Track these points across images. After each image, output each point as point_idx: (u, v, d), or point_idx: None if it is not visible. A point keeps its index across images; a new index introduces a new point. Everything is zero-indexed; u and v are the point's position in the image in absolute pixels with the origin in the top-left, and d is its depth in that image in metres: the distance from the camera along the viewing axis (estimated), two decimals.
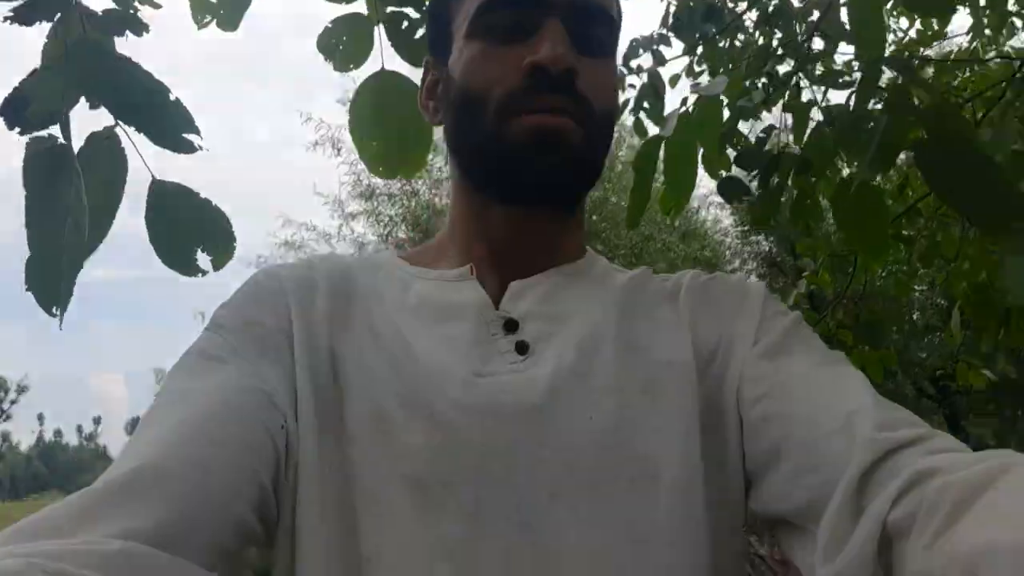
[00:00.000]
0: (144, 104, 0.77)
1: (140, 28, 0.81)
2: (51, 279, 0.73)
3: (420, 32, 1.03)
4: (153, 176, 0.81)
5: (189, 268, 0.83)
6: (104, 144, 0.78)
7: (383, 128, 0.99)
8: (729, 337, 0.58)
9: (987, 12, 2.17)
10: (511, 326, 0.57)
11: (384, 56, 1.01)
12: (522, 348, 0.56)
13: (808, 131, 1.32)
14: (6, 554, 0.33)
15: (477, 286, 0.59)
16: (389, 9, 1.03)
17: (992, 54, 2.37)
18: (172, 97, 0.79)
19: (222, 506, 0.43)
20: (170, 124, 0.78)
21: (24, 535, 0.36)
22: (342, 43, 1.00)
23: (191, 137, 0.78)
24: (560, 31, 0.56)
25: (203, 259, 0.84)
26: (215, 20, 1.01)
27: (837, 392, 0.50)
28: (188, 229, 0.82)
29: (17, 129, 0.76)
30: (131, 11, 0.80)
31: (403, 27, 1.04)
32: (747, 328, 0.57)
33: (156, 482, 0.41)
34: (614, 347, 0.56)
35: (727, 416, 0.55)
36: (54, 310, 0.74)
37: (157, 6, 0.93)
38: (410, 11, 1.04)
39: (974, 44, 2.38)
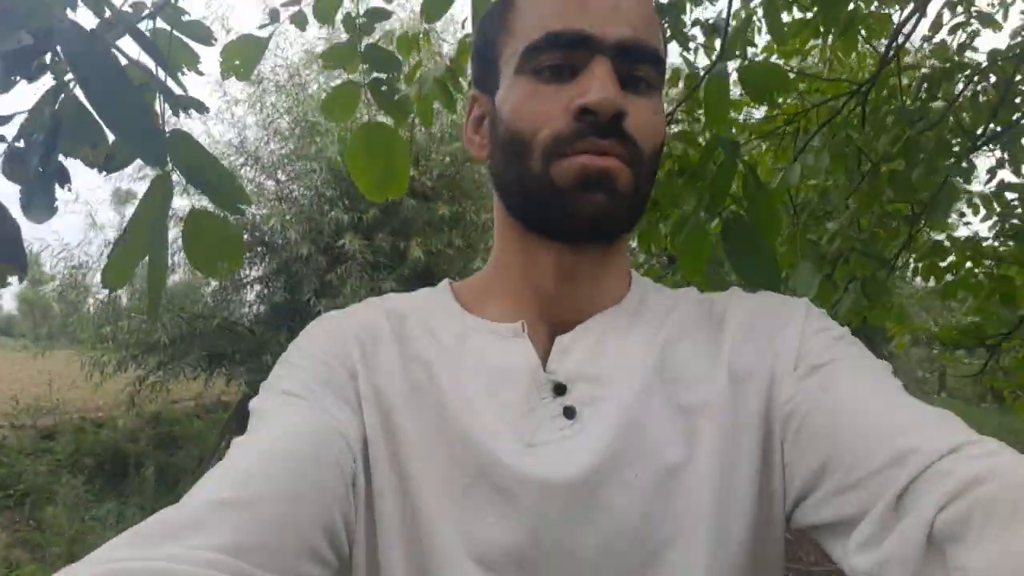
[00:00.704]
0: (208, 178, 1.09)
1: (203, 109, 1.12)
2: None
3: (396, 95, 1.38)
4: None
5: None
6: None
7: (373, 163, 1.33)
8: (772, 358, 0.58)
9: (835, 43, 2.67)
10: (559, 390, 0.59)
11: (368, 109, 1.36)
12: (569, 413, 0.57)
13: (664, 175, 1.78)
14: (142, 557, 0.38)
15: (529, 347, 0.61)
16: (373, 75, 1.37)
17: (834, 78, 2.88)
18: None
19: (302, 534, 0.46)
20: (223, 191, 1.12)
21: (142, 537, 0.40)
22: (339, 104, 1.33)
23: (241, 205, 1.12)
24: (608, 71, 0.56)
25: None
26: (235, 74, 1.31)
27: (881, 405, 0.50)
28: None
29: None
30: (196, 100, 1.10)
31: (382, 89, 1.38)
32: (788, 347, 0.58)
33: (248, 506, 0.44)
34: (654, 406, 0.57)
35: (772, 437, 0.56)
36: None
37: (200, 73, 1.23)
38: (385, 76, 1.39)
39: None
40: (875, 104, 2.54)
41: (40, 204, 0.82)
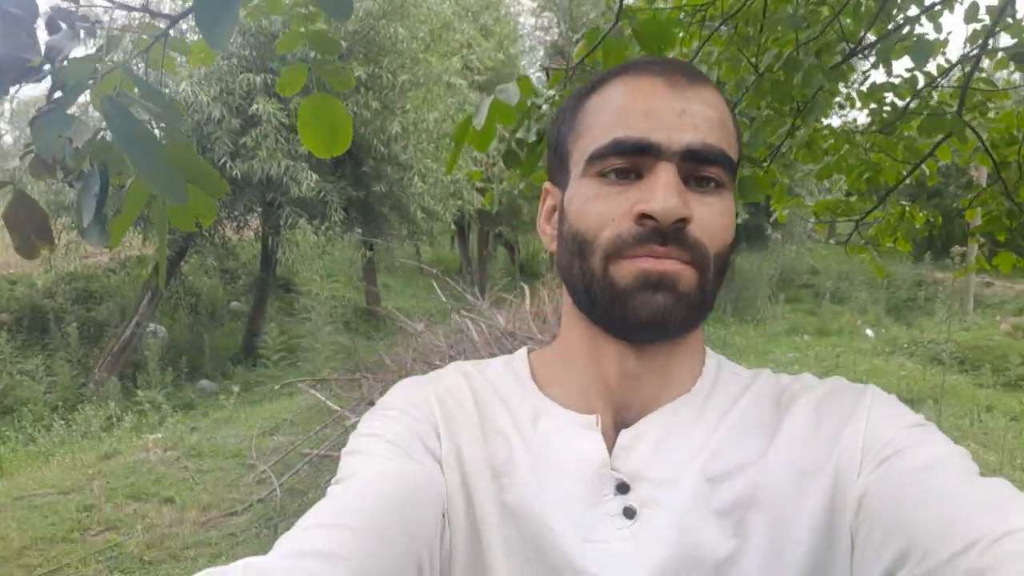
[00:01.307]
0: None
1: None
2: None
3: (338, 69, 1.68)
4: None
5: None
6: None
7: (320, 127, 1.55)
8: (838, 453, 0.56)
9: None
10: (622, 488, 0.58)
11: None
12: (629, 513, 0.57)
13: None
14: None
15: (599, 441, 0.60)
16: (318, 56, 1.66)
17: None
18: None
19: (396, 565, 0.50)
20: None
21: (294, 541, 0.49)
22: (289, 82, 1.62)
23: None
24: (673, 177, 0.55)
25: None
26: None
27: (953, 491, 0.49)
28: None
29: None
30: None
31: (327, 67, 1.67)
32: (855, 441, 0.56)
33: (363, 538, 0.49)
34: (710, 506, 0.57)
35: (836, 532, 0.55)
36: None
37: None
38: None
39: None
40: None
41: (96, 231, 1.05)
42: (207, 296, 10.67)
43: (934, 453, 0.53)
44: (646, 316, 0.56)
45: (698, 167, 0.57)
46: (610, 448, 0.60)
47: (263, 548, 2.70)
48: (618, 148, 0.57)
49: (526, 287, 5.77)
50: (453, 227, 13.27)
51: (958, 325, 11.43)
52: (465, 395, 0.66)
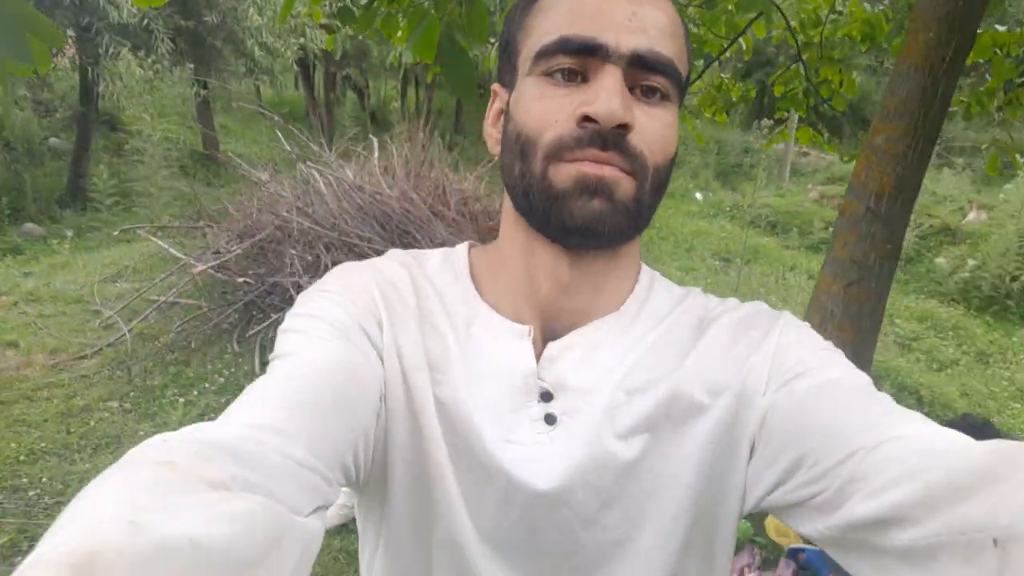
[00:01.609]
0: None
1: None
2: None
3: None
4: None
5: None
6: None
7: None
8: (745, 373, 0.60)
9: None
10: (546, 396, 0.62)
11: None
12: (550, 420, 0.61)
13: None
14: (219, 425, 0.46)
15: (529, 351, 0.63)
16: None
17: None
18: None
19: (337, 445, 0.52)
20: None
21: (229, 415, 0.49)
22: None
23: None
24: (617, 81, 0.55)
25: None
26: None
27: (844, 408, 0.53)
28: None
29: None
30: None
31: None
32: (762, 363, 0.60)
33: (309, 416, 0.50)
34: (621, 417, 0.60)
35: (737, 443, 0.60)
36: None
37: None
38: None
39: None
40: None
41: None
42: (20, 130, 9.75)
43: (832, 375, 0.56)
44: (581, 220, 0.57)
45: (645, 75, 0.57)
46: (538, 357, 0.63)
47: (118, 390, 3.07)
48: (565, 46, 0.57)
49: (375, 140, 5.89)
50: (296, 67, 12.63)
51: (774, 191, 12.73)
52: (406, 287, 0.67)
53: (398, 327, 0.64)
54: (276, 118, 6.14)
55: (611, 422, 0.61)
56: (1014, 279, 9.00)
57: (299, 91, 15.48)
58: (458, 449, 0.62)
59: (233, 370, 4.25)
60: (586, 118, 0.56)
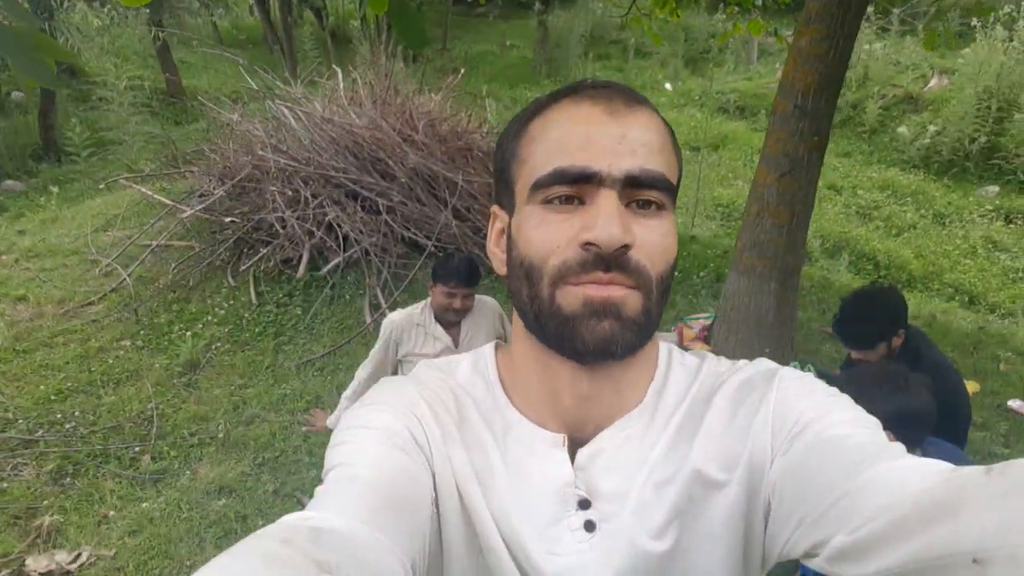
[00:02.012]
0: None
1: None
2: None
3: None
4: None
5: None
6: None
7: None
8: (750, 444, 0.62)
9: None
10: (584, 504, 0.63)
11: None
12: (589, 527, 0.63)
13: None
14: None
15: (566, 461, 0.65)
16: None
17: None
18: None
19: (410, 544, 0.54)
20: None
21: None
22: None
23: None
24: (614, 204, 0.57)
25: None
26: None
27: (845, 460, 0.54)
28: None
29: None
30: None
31: None
32: (764, 429, 0.62)
33: (381, 512, 0.54)
34: (655, 516, 0.63)
35: (753, 518, 0.62)
36: None
37: None
38: None
39: None
40: None
41: None
42: None
43: (825, 425, 0.58)
44: (593, 343, 0.59)
45: (638, 192, 0.59)
46: (571, 457, 0.65)
47: (128, 330, 3.47)
48: (561, 178, 0.59)
49: (339, 70, 6.00)
50: None
51: (742, 75, 12.74)
52: (449, 398, 0.69)
53: (445, 438, 0.66)
54: (240, 60, 6.20)
55: (644, 521, 0.63)
56: (972, 141, 9.29)
57: (255, 17, 15.12)
58: (516, 560, 0.63)
59: (232, 302, 4.57)
60: (588, 243, 0.57)
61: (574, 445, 0.66)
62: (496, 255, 0.70)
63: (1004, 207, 8.47)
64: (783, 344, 3.58)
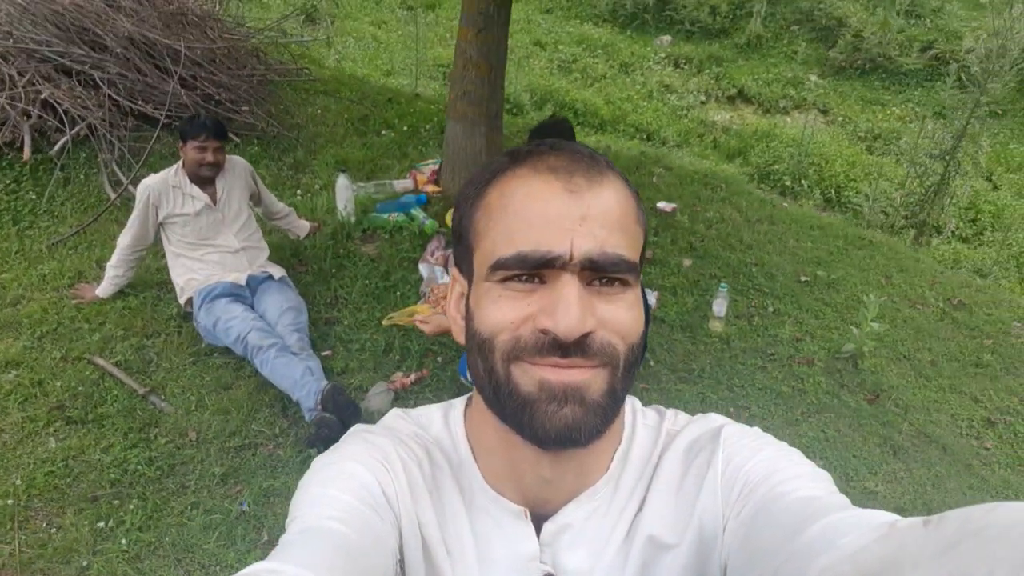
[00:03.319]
0: None
1: None
2: None
3: None
4: None
5: None
6: None
7: None
8: (699, 512, 0.62)
9: None
10: None
11: None
12: None
13: None
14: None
15: (531, 536, 0.64)
16: None
17: None
18: None
19: None
20: None
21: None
22: None
23: None
24: (575, 289, 0.55)
25: None
26: None
27: (791, 513, 0.54)
28: None
29: None
30: None
31: None
32: (712, 495, 0.62)
33: (344, 568, 0.53)
34: None
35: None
36: None
37: None
38: None
39: None
40: None
41: None
42: None
43: (772, 484, 0.58)
44: (554, 431, 0.56)
45: (600, 273, 0.57)
46: (536, 531, 0.65)
47: None
48: (522, 263, 0.57)
49: None
50: None
51: None
52: (423, 458, 0.68)
53: (417, 499, 0.65)
54: None
55: None
56: None
57: None
58: None
59: None
60: (545, 330, 0.55)
61: (538, 516, 0.65)
62: (456, 320, 0.67)
63: (674, 54, 10.04)
64: None
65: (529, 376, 0.57)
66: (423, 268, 3.79)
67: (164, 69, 4.73)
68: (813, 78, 9.58)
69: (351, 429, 0.71)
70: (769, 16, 10.38)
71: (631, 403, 0.71)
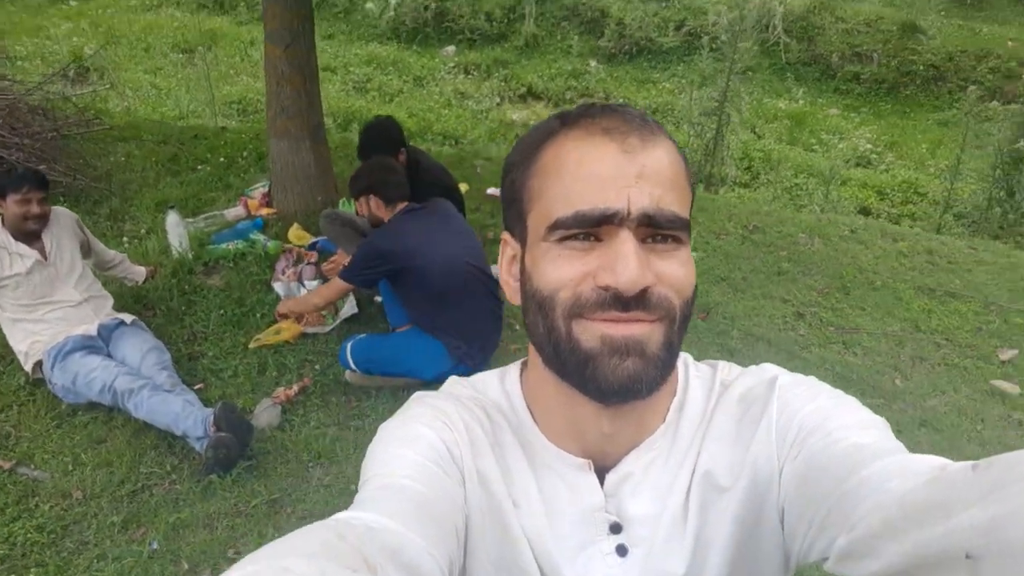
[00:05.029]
0: None
1: None
2: None
3: None
4: None
5: None
6: None
7: None
8: (752, 458, 0.63)
9: None
10: (615, 528, 0.65)
11: None
12: (621, 551, 0.65)
13: None
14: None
15: (596, 487, 0.66)
16: None
17: None
18: None
19: (446, 552, 0.56)
20: None
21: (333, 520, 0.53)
22: None
23: None
24: (632, 245, 0.57)
25: None
26: None
27: (847, 462, 0.55)
28: None
29: None
30: None
31: None
32: (767, 440, 0.63)
33: (422, 521, 0.56)
34: (682, 538, 0.65)
35: (763, 529, 0.63)
36: None
37: None
38: None
39: None
40: None
41: None
42: None
43: (826, 430, 0.59)
44: (617, 383, 0.58)
45: (656, 230, 0.58)
46: (599, 483, 0.66)
47: None
48: (580, 221, 0.58)
49: None
50: None
51: None
52: (484, 419, 0.70)
53: (481, 456, 0.67)
54: None
55: (674, 544, 0.65)
56: (426, 8, 10.98)
57: None
58: None
59: None
60: (606, 286, 0.57)
61: (599, 469, 0.67)
62: (508, 283, 0.69)
63: (462, 62, 10.48)
64: (327, 189, 4.43)
65: (590, 332, 0.58)
66: (278, 287, 3.78)
67: None
68: (593, 63, 10.43)
69: (412, 396, 0.73)
70: (540, 16, 11.14)
71: (683, 357, 0.72)
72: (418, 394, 0.74)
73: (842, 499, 0.53)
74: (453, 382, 0.76)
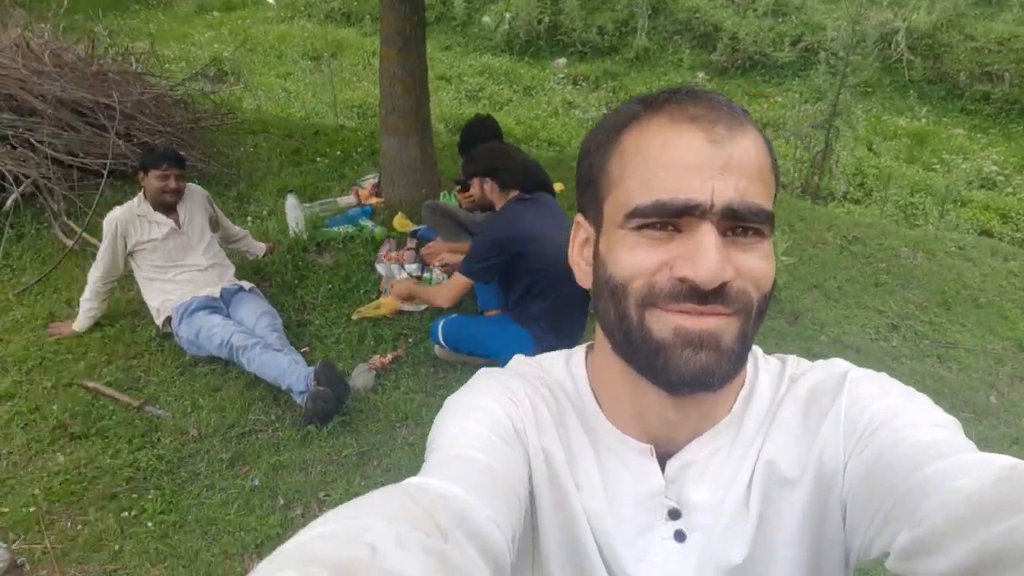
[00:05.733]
0: None
1: None
2: None
3: None
4: None
5: None
6: None
7: None
8: (817, 451, 0.63)
9: None
10: (674, 514, 0.65)
11: None
12: (680, 536, 0.64)
13: None
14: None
15: (657, 472, 0.66)
16: None
17: None
18: None
19: (511, 524, 0.56)
20: None
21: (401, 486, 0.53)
22: None
23: None
24: (714, 238, 0.55)
25: None
26: None
27: (914, 458, 0.54)
28: None
29: None
30: None
31: None
32: (834, 433, 0.62)
33: (492, 492, 0.56)
34: (744, 529, 0.64)
35: (827, 524, 0.63)
36: None
37: None
38: None
39: None
40: None
41: None
42: None
43: (895, 427, 0.58)
44: (689, 376, 0.57)
45: (739, 223, 0.57)
46: (661, 468, 0.66)
47: None
48: (661, 211, 0.57)
49: None
50: None
51: None
52: (548, 397, 0.70)
53: (545, 433, 0.67)
54: None
55: (735, 533, 0.64)
56: (539, 22, 11.29)
57: None
58: (606, 562, 0.66)
59: None
60: (684, 278, 0.56)
61: (661, 455, 0.67)
62: (580, 266, 0.69)
63: (572, 74, 10.69)
64: (431, 183, 4.71)
65: (663, 323, 0.58)
66: (380, 268, 4.08)
67: (99, 124, 4.90)
68: (700, 75, 10.39)
69: (479, 371, 0.74)
70: (652, 30, 11.20)
71: (752, 349, 0.70)
72: (484, 370, 0.74)
73: (906, 495, 0.52)
74: (519, 360, 0.77)
